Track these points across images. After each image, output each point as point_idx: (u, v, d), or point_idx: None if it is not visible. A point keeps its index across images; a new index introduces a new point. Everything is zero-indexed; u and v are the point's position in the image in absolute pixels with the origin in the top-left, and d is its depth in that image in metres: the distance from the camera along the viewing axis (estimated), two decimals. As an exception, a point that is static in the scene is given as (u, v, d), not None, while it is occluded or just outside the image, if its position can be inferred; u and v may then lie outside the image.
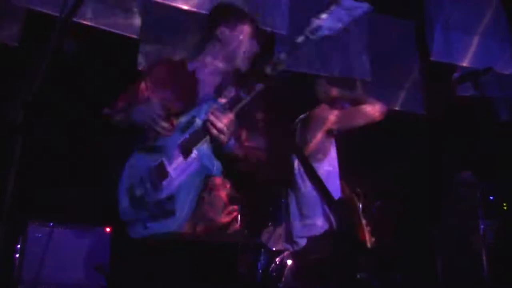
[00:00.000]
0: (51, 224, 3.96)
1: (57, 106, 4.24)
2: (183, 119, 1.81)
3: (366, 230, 2.60)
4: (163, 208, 1.67)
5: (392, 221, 5.43)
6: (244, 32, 2.03)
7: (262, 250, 4.30)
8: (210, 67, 2.04)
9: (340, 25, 1.67)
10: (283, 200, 2.62)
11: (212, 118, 1.70)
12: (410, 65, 5.52)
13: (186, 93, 1.93)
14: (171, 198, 1.67)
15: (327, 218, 2.35)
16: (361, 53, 4.95)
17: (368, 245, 2.53)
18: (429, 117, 5.66)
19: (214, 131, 1.70)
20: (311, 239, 2.36)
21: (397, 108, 5.58)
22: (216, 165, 1.77)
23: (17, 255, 3.88)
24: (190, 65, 2.06)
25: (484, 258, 4.34)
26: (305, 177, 2.44)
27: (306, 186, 2.43)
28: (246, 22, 2.06)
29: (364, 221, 2.64)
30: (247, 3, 4.01)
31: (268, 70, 1.75)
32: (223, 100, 1.80)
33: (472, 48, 4.64)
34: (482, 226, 4.45)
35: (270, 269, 4.16)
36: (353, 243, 2.39)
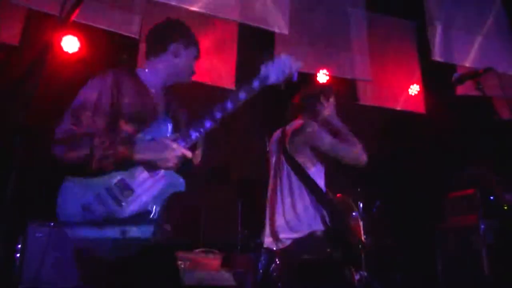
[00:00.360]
0: (51, 224, 3.96)
1: (57, 105, 4.24)
2: (142, 137, 1.88)
3: (361, 227, 2.61)
4: (141, 216, 1.76)
5: (392, 221, 5.43)
6: (192, 53, 2.16)
7: (263, 250, 4.31)
8: (157, 78, 2.12)
9: (282, 76, 2.01)
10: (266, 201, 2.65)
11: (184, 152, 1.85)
12: (411, 65, 5.52)
13: (141, 102, 2.00)
14: (147, 212, 1.76)
15: (318, 219, 2.34)
16: (362, 53, 4.95)
17: (364, 241, 2.53)
18: (430, 116, 5.66)
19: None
20: (296, 240, 2.35)
21: (397, 108, 5.59)
22: (181, 181, 1.87)
23: (18, 255, 3.88)
24: (138, 71, 2.12)
25: (484, 258, 4.35)
26: (293, 178, 2.44)
27: (293, 187, 2.43)
28: (194, 44, 2.19)
29: (358, 218, 2.64)
30: (247, 3, 4.02)
31: (229, 105, 1.92)
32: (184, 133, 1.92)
33: (474, 49, 4.63)
34: (482, 226, 4.46)
35: (271, 269, 4.16)
36: (348, 240, 2.38)
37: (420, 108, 5.63)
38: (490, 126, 4.92)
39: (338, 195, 2.80)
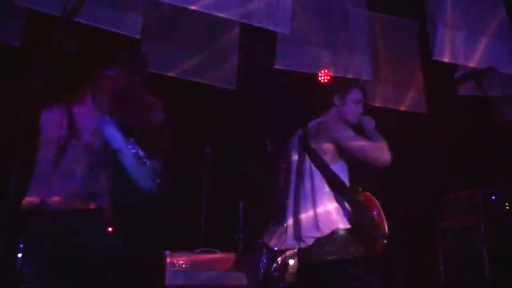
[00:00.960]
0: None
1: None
2: None
3: (385, 221, 2.58)
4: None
5: (393, 221, 5.41)
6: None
7: (264, 250, 4.30)
8: None
9: None
10: (286, 200, 2.62)
11: None
12: (412, 64, 5.51)
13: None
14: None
15: (341, 216, 2.32)
16: (363, 53, 4.94)
17: (387, 234, 2.51)
18: (431, 116, 5.65)
19: None
20: (319, 239, 2.32)
21: (399, 108, 5.57)
22: None
23: (19, 255, 3.88)
24: None
25: (485, 258, 4.34)
26: (315, 175, 2.41)
27: (315, 184, 2.40)
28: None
29: (382, 214, 2.61)
30: (248, 3, 4.01)
31: None
32: None
33: (476, 49, 4.62)
34: (483, 226, 4.45)
35: (272, 269, 4.16)
36: (371, 234, 2.36)
37: (421, 108, 5.62)
38: (491, 126, 4.91)
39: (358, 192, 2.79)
